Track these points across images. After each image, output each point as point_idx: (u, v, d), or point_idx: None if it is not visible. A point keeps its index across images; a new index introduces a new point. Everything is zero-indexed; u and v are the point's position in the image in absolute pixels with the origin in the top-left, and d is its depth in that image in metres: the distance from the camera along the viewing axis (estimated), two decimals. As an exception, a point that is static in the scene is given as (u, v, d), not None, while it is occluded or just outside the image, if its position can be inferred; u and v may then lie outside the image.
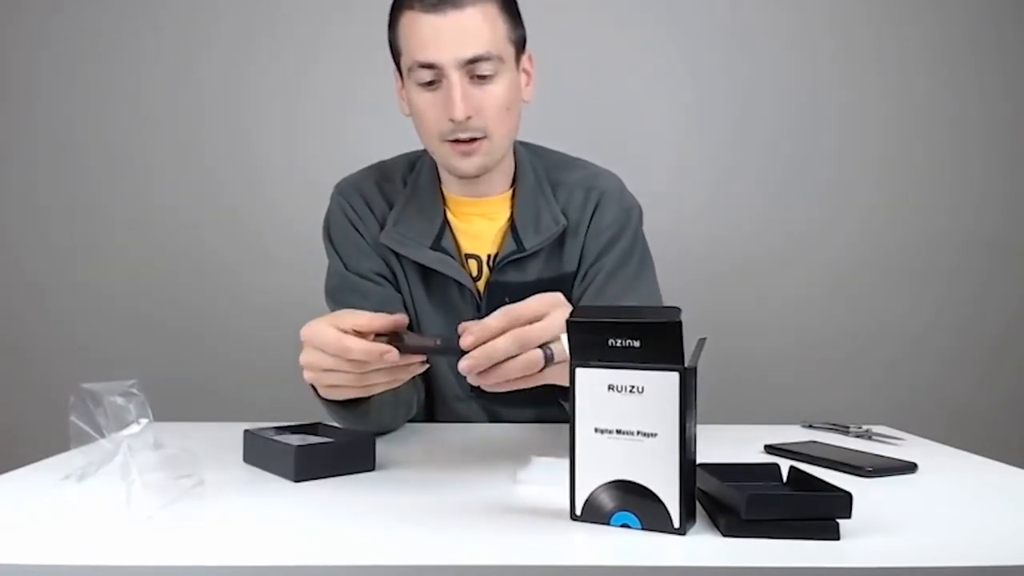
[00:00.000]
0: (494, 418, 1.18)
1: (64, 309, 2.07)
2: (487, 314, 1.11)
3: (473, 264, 1.14)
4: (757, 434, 1.06)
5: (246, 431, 0.90)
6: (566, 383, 0.76)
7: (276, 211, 2.06)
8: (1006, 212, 2.11)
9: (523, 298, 1.10)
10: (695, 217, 2.07)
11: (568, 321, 0.67)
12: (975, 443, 1.06)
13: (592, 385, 0.66)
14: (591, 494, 0.67)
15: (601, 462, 0.66)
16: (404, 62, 1.04)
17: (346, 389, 0.80)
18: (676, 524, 0.63)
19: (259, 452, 0.88)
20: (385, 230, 1.13)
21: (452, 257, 1.11)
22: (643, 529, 0.65)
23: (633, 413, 0.65)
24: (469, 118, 1.02)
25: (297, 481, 0.81)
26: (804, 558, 0.60)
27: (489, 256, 1.14)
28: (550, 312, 0.76)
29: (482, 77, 1.02)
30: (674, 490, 0.63)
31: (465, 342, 0.74)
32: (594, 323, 0.66)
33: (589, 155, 1.25)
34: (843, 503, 0.64)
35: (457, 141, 1.04)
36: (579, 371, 0.67)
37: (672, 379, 0.63)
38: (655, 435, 0.64)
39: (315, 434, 0.93)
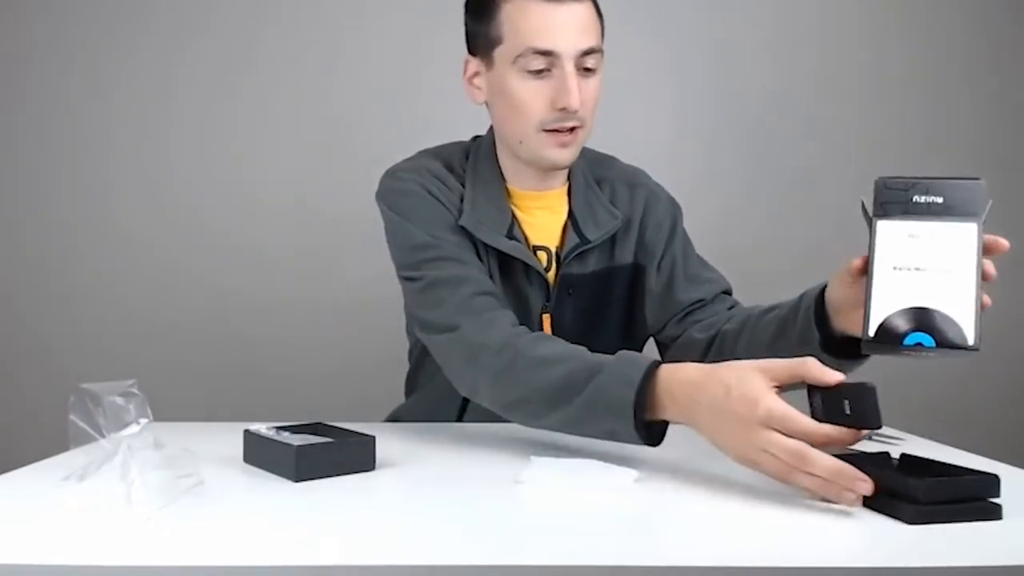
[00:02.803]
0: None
1: (63, 310, 2.06)
2: (556, 305, 1.11)
3: (543, 256, 1.15)
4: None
5: (246, 431, 0.90)
6: None
7: (275, 213, 2.05)
8: (998, 214, 2.11)
9: (584, 289, 1.13)
10: (688, 204, 2.07)
11: (878, 180, 0.77)
12: (974, 443, 1.06)
13: (893, 235, 0.75)
14: (886, 319, 0.73)
15: (897, 292, 0.74)
16: (510, 48, 1.04)
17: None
18: (971, 341, 0.71)
19: (259, 452, 0.88)
20: (464, 214, 1.10)
21: (521, 244, 1.13)
22: (937, 347, 0.71)
23: (931, 254, 0.74)
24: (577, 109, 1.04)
25: (297, 481, 0.81)
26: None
27: (556, 248, 1.15)
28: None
29: (587, 70, 1.05)
30: (971, 312, 0.72)
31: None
32: (901, 179, 0.76)
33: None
34: (996, 483, 0.69)
35: (556, 131, 1.06)
36: (880, 223, 0.76)
37: (971, 228, 0.74)
38: (951, 271, 0.73)
39: (315, 434, 0.93)
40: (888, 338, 0.72)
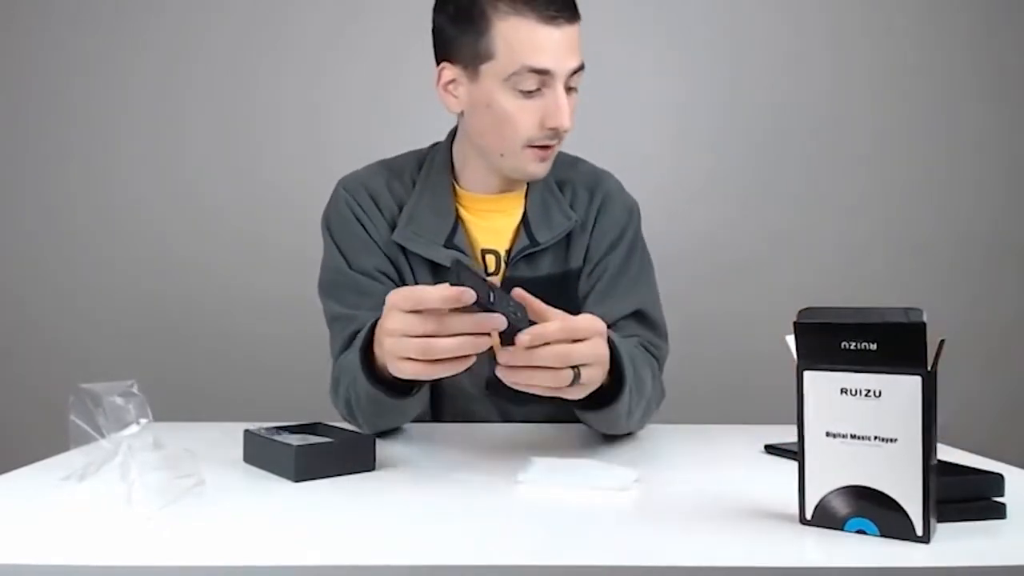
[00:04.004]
0: (505, 417, 1.18)
1: (64, 310, 2.07)
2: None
3: (491, 259, 1.16)
4: (757, 434, 1.07)
5: (246, 431, 0.90)
6: (581, 394, 0.83)
7: (272, 213, 2.06)
8: (1000, 212, 2.12)
9: (536, 292, 1.12)
10: (689, 218, 2.07)
11: (797, 323, 0.66)
12: (973, 444, 1.06)
13: (822, 389, 0.65)
14: (823, 499, 0.65)
15: (833, 467, 0.65)
16: (503, 66, 1.03)
17: (417, 364, 0.79)
18: (919, 532, 0.61)
19: (259, 452, 0.88)
20: (397, 229, 1.13)
21: (465, 254, 1.12)
22: (881, 536, 0.63)
23: (869, 418, 0.63)
24: None
25: (297, 481, 0.81)
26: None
27: (506, 251, 1.16)
28: (592, 338, 0.81)
29: (570, 88, 1.06)
30: (917, 497, 0.61)
31: (522, 340, 0.76)
32: (827, 325, 0.64)
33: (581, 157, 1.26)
34: (1000, 482, 0.69)
35: (541, 146, 1.07)
36: (808, 374, 0.66)
37: (914, 383, 0.61)
38: (895, 440, 0.62)
39: (315, 434, 0.93)
40: (827, 520, 0.65)
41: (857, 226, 2.12)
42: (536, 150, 1.08)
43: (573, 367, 0.79)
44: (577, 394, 0.83)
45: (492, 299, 0.75)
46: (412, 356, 0.78)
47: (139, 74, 2.07)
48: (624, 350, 0.92)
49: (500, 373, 0.78)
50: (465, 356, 0.77)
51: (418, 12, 1.16)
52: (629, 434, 1.06)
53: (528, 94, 1.04)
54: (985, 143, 2.13)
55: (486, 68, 1.05)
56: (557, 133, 1.06)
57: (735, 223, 2.10)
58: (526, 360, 0.77)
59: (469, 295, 0.73)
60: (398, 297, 0.78)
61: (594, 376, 0.83)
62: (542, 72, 1.03)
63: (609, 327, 1.10)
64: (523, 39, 1.02)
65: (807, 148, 2.12)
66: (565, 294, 1.15)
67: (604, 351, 0.84)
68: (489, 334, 0.77)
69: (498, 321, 0.75)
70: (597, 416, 0.94)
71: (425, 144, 1.24)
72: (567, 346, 0.78)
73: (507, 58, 1.03)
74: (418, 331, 0.77)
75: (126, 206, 2.08)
